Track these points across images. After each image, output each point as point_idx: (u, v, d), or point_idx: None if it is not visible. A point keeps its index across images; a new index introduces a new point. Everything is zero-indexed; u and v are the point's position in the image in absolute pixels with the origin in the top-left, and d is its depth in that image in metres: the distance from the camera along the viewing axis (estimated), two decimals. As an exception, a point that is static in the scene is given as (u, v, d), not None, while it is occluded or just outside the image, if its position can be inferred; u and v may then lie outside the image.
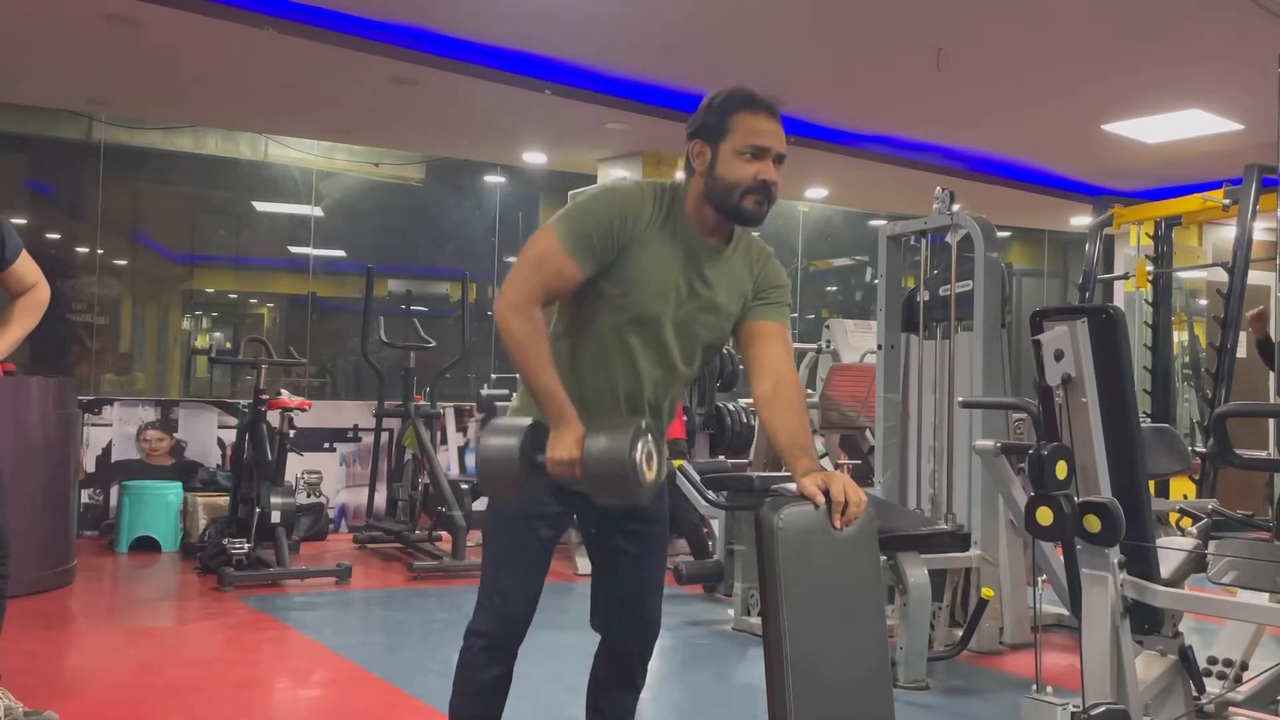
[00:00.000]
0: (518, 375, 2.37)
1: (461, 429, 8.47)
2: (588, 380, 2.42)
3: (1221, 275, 6.38)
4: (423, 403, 7.56)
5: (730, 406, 7.06)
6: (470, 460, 8.21)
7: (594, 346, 2.42)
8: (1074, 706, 2.61)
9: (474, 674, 2.50)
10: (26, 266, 3.33)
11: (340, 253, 9.44)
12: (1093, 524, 2.59)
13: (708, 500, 5.35)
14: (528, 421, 2.29)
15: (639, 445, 2.20)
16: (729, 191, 2.35)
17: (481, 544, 2.62)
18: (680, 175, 2.48)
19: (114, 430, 7.58)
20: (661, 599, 2.66)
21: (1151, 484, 2.92)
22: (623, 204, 2.36)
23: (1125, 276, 7.56)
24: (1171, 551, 2.98)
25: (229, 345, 9.36)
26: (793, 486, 2.32)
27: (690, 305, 2.42)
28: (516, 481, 2.25)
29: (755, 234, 2.55)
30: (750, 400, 7.08)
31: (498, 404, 7.81)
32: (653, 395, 2.46)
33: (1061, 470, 2.59)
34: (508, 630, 2.47)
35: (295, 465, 7.39)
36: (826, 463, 6.41)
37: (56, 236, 8.64)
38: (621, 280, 2.37)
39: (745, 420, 6.95)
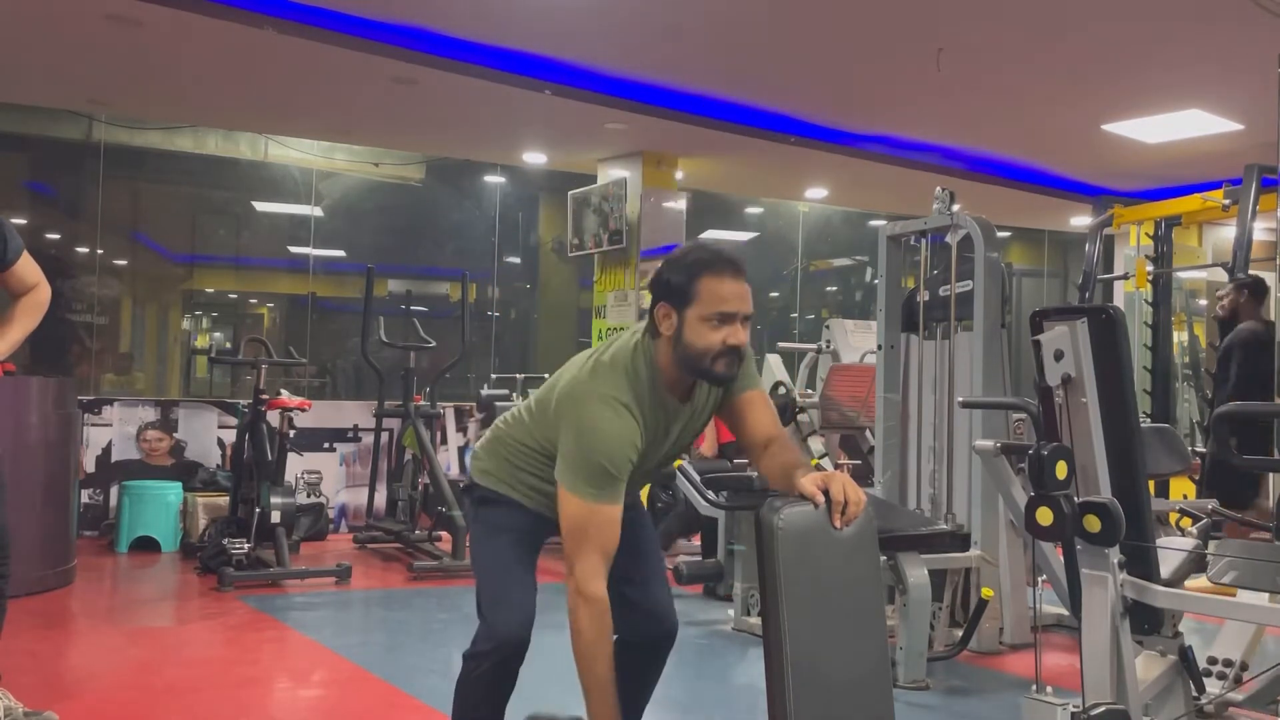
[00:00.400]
0: (581, 684, 2.39)
1: (461, 429, 8.47)
2: (532, 485, 2.59)
3: (1221, 275, 6.39)
4: (423, 403, 7.56)
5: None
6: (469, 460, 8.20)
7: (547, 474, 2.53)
8: (1074, 706, 2.61)
9: (476, 694, 2.53)
10: (28, 267, 3.33)
11: (340, 253, 9.44)
12: (1093, 524, 2.59)
13: (708, 500, 5.35)
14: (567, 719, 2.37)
15: None
16: (700, 358, 2.37)
17: (472, 568, 2.66)
18: (642, 325, 2.51)
19: (114, 430, 7.58)
20: (668, 589, 2.70)
21: (1151, 484, 2.92)
22: (627, 439, 2.38)
23: (1125, 276, 7.57)
24: (1171, 551, 2.98)
25: (229, 345, 9.37)
26: None
27: (680, 435, 2.57)
28: None
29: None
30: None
31: (498, 404, 7.82)
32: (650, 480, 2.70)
33: (1061, 470, 2.59)
34: (507, 652, 2.50)
35: (295, 465, 7.39)
36: (826, 463, 6.41)
37: (56, 236, 8.64)
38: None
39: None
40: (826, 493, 2.24)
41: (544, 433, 2.50)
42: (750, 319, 2.41)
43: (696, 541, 7.37)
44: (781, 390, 6.97)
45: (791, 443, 2.55)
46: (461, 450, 8.40)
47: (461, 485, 2.78)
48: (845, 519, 2.23)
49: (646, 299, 8.99)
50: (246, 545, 6.17)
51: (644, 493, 6.75)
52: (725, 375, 2.41)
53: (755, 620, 4.95)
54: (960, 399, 4.81)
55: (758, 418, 2.54)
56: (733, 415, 2.57)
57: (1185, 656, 2.93)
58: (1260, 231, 6.57)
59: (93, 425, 7.48)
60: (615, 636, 2.71)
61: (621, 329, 8.19)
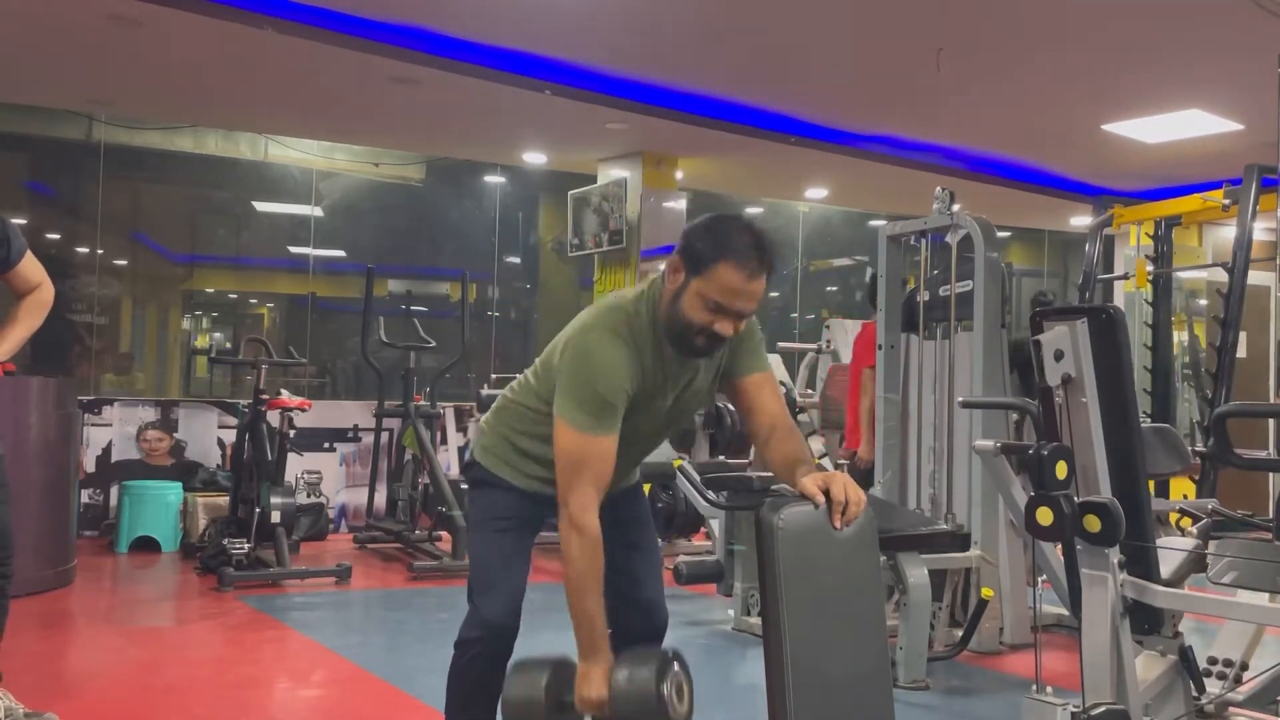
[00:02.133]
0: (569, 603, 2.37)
1: (461, 429, 8.47)
2: (533, 459, 2.56)
3: (1221, 275, 6.38)
4: (423, 403, 7.56)
5: (730, 407, 7.06)
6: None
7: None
8: (1074, 706, 2.61)
9: (466, 682, 2.53)
10: (31, 267, 3.34)
11: (340, 253, 9.44)
12: (1093, 524, 2.58)
13: (708, 500, 5.35)
14: (550, 661, 2.34)
15: (668, 678, 2.25)
16: (683, 327, 2.36)
17: (468, 553, 2.67)
18: (660, 271, 2.50)
19: (114, 430, 7.58)
20: (662, 585, 2.69)
21: (1151, 484, 2.92)
22: (619, 369, 2.36)
23: (1125, 276, 7.55)
24: (1171, 551, 2.98)
25: (229, 345, 9.36)
26: None
27: (681, 403, 2.53)
28: None
29: None
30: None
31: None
32: (641, 455, 2.63)
33: (1061, 470, 2.59)
34: (495, 639, 2.50)
35: (295, 465, 7.39)
36: (826, 463, 6.41)
37: (56, 236, 8.64)
38: (624, 423, 2.43)
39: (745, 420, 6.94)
40: (827, 493, 2.24)
41: (548, 388, 2.46)
42: (749, 315, 2.39)
43: (696, 541, 7.37)
44: (781, 390, 6.97)
45: (796, 431, 2.51)
46: (461, 450, 8.40)
47: (464, 460, 2.75)
48: (845, 519, 2.23)
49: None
50: (246, 545, 6.17)
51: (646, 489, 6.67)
52: (700, 351, 2.39)
53: (755, 620, 4.95)
54: (960, 399, 4.81)
55: (764, 400, 2.51)
56: (738, 395, 2.54)
57: (1185, 656, 2.92)
58: (1260, 231, 6.56)
59: (93, 425, 7.47)
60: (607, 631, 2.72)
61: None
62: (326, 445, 8.05)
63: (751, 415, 2.53)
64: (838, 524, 2.22)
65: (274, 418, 6.58)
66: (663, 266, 2.50)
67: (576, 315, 2.54)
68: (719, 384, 2.57)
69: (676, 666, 2.29)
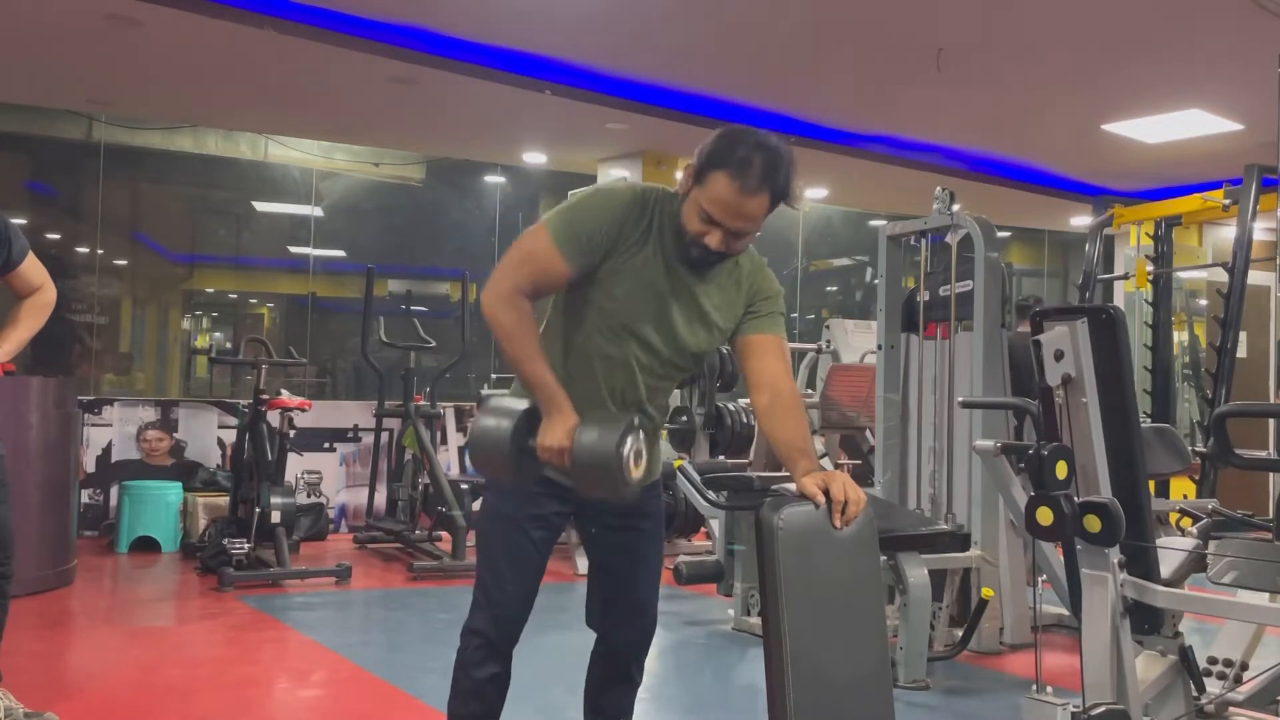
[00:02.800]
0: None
1: (461, 429, 8.47)
2: (577, 382, 2.41)
3: (1221, 275, 6.38)
4: (423, 403, 7.56)
5: (730, 407, 7.06)
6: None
7: (582, 350, 2.43)
8: (1074, 706, 2.61)
9: (471, 673, 2.51)
10: (33, 268, 3.35)
11: (340, 253, 9.44)
12: (1093, 524, 2.59)
13: (708, 500, 5.35)
14: (525, 404, 2.31)
15: (628, 441, 2.22)
16: (681, 232, 2.33)
17: (475, 545, 2.63)
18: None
19: (114, 430, 7.58)
20: (658, 596, 2.67)
21: (1151, 484, 2.92)
22: (616, 209, 2.35)
23: (1125, 276, 7.56)
24: (1171, 551, 2.98)
25: (229, 345, 9.36)
26: (792, 487, 2.32)
27: (678, 315, 2.41)
28: (507, 463, 2.27)
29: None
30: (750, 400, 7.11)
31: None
32: (641, 396, 2.46)
33: (1061, 470, 2.59)
34: (503, 630, 2.48)
35: (295, 465, 7.39)
36: (826, 463, 6.41)
37: (56, 236, 8.64)
38: (609, 289, 2.37)
39: (745, 420, 6.95)
40: (827, 492, 2.24)
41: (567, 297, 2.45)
42: (746, 236, 2.33)
43: (696, 541, 7.38)
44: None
45: (800, 407, 2.42)
46: (462, 450, 8.40)
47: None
48: (845, 519, 2.23)
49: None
50: (246, 545, 6.17)
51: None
52: (697, 260, 2.34)
53: (755, 620, 4.95)
54: (960, 399, 4.81)
55: (769, 363, 2.43)
56: (742, 350, 2.48)
57: (1185, 656, 2.92)
58: (1260, 231, 6.57)
59: (93, 425, 7.47)
60: (594, 642, 2.69)
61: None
62: (326, 445, 8.05)
63: (755, 379, 2.44)
64: (838, 523, 2.22)
65: (274, 418, 6.58)
66: (678, 174, 2.52)
67: None
68: (731, 339, 2.50)
69: (639, 434, 2.26)
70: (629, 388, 2.44)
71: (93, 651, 4.75)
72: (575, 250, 2.31)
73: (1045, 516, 2.59)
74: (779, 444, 2.39)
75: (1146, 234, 7.35)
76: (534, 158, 8.67)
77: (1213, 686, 3.36)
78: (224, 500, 7.02)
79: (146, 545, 7.05)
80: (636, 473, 2.25)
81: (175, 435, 7.74)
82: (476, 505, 7.21)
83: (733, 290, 2.45)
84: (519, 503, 2.48)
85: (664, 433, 7.32)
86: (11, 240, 3.27)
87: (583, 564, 6.35)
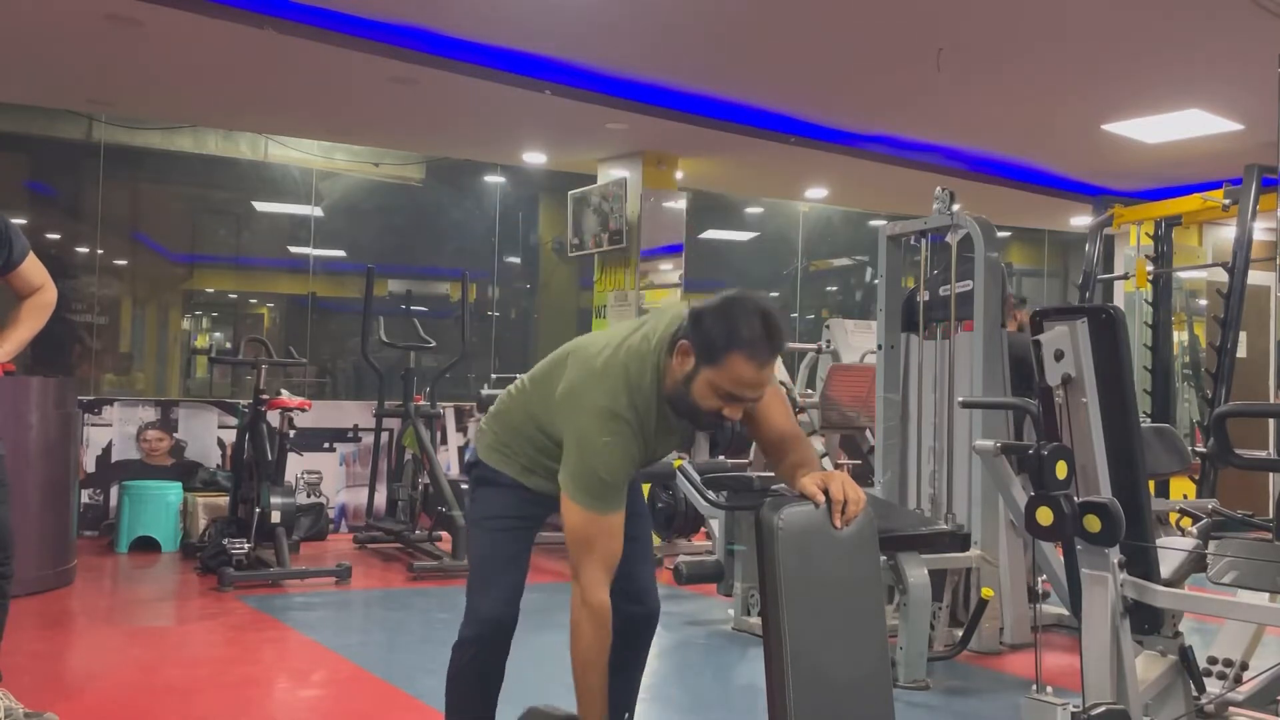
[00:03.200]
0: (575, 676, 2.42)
1: (461, 429, 8.47)
2: (531, 458, 2.59)
3: (1221, 275, 6.38)
4: (423, 403, 7.56)
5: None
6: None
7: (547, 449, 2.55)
8: (1074, 706, 2.61)
9: (465, 680, 2.53)
10: (34, 268, 3.35)
11: (340, 253, 9.44)
12: (1093, 524, 2.59)
13: (708, 500, 5.35)
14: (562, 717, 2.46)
15: None
16: (691, 410, 2.39)
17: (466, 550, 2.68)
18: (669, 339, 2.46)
19: (114, 430, 7.58)
20: (653, 571, 2.70)
21: (1151, 484, 2.92)
22: (625, 452, 2.40)
23: (1125, 276, 7.56)
24: (1171, 551, 2.98)
25: (229, 345, 9.36)
26: None
27: (679, 435, 2.59)
28: None
29: None
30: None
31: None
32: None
33: (1061, 470, 2.59)
34: (492, 634, 2.51)
35: (295, 465, 7.39)
36: (826, 462, 6.41)
37: (56, 236, 8.64)
38: None
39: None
40: (826, 492, 2.24)
41: (544, 411, 2.51)
42: (757, 402, 2.42)
43: (696, 541, 7.38)
44: (782, 391, 6.96)
45: (806, 441, 2.53)
46: (462, 450, 8.40)
47: (466, 460, 2.75)
48: (845, 518, 2.23)
49: (647, 299, 8.92)
50: (246, 545, 6.17)
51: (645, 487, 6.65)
52: (702, 427, 2.46)
53: (755, 620, 4.95)
54: (960, 399, 4.81)
55: (774, 418, 2.52)
56: (749, 415, 2.54)
57: (1185, 656, 2.92)
58: (1260, 231, 6.56)
59: (93, 425, 7.47)
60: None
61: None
62: (326, 445, 8.05)
63: (763, 433, 2.54)
64: (838, 523, 2.23)
65: (274, 418, 6.58)
66: (658, 341, 2.48)
67: (590, 344, 2.53)
68: None
69: None
70: None
71: (93, 651, 4.75)
72: (616, 496, 2.40)
73: (1045, 516, 2.59)
74: (786, 473, 2.46)
75: (1146, 234, 7.35)
76: (534, 158, 8.67)
77: (1213, 686, 3.36)
78: (224, 500, 7.01)
79: (146, 545, 7.05)
80: None
81: (175, 435, 7.74)
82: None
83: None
84: (501, 506, 2.58)
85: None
86: (12, 240, 3.27)
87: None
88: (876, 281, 5.47)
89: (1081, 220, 9.92)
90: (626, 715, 2.74)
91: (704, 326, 2.32)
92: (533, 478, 2.58)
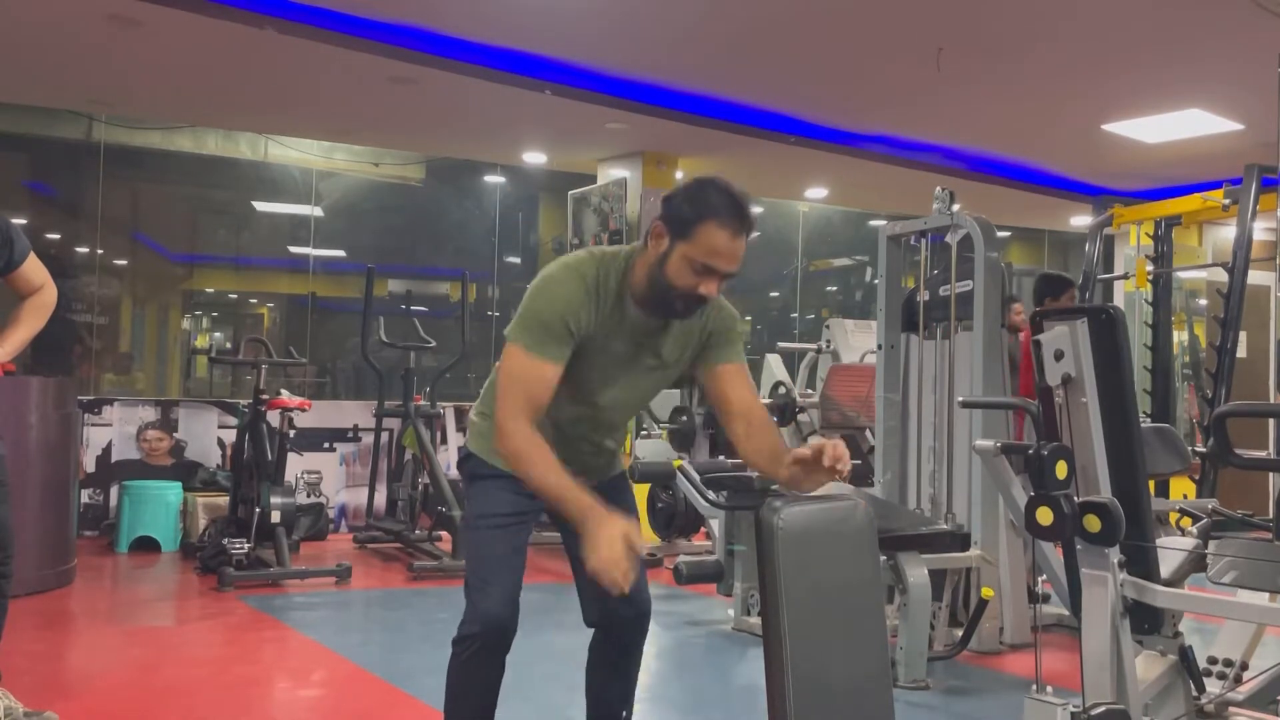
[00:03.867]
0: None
1: (461, 429, 8.47)
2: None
3: (1221, 275, 6.38)
4: (423, 403, 7.56)
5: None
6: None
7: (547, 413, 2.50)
8: (1074, 706, 2.61)
9: (464, 679, 2.53)
10: (35, 268, 3.37)
11: (340, 253, 9.44)
12: (1093, 524, 2.59)
13: (708, 500, 5.35)
14: None
15: None
16: (666, 290, 2.38)
17: (462, 548, 2.66)
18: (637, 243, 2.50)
19: (114, 430, 7.58)
20: (645, 576, 2.69)
21: (1151, 484, 2.92)
22: (573, 296, 2.40)
23: (1125, 276, 7.56)
24: (1171, 551, 2.98)
25: (229, 345, 9.36)
26: None
27: (639, 375, 2.54)
28: None
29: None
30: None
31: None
32: (599, 440, 2.61)
33: (1061, 470, 2.59)
34: (494, 633, 2.50)
35: (295, 465, 7.39)
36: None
37: (56, 236, 8.64)
38: (571, 369, 2.43)
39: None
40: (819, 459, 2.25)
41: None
42: (732, 276, 2.40)
43: (696, 541, 7.38)
44: (781, 390, 6.97)
45: (772, 424, 2.54)
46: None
47: (459, 455, 2.74)
48: (836, 463, 2.23)
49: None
50: (246, 545, 6.17)
51: (640, 489, 6.70)
52: (681, 314, 2.43)
53: (755, 620, 4.95)
54: (960, 399, 4.81)
55: (738, 390, 2.52)
56: (711, 382, 2.55)
57: (1185, 656, 2.93)
58: (1260, 231, 6.56)
59: (93, 425, 7.48)
60: (592, 633, 2.71)
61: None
62: (326, 445, 8.05)
63: (724, 404, 2.53)
64: (827, 463, 2.23)
65: (274, 418, 6.58)
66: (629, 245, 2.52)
67: None
68: (694, 369, 2.58)
69: None
70: (588, 436, 2.58)
71: (93, 651, 4.75)
72: (552, 345, 2.38)
73: (1045, 516, 2.59)
74: (760, 456, 2.45)
75: (1146, 234, 7.35)
76: (534, 158, 8.67)
77: (1213, 686, 3.36)
78: (224, 500, 7.01)
79: (146, 545, 7.05)
80: None
81: (175, 435, 7.74)
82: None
83: (692, 327, 2.53)
84: (497, 504, 2.56)
85: (664, 433, 7.33)
86: (13, 241, 3.28)
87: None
88: (876, 281, 5.47)
89: (1081, 220, 9.92)
90: (625, 714, 2.74)
91: (675, 204, 2.37)
92: None
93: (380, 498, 7.80)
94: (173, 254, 9.29)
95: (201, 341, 9.62)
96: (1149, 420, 6.97)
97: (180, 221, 9.29)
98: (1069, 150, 8.04)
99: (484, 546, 2.56)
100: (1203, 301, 9.39)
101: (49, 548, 5.76)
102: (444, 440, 8.27)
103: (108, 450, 7.55)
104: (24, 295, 3.37)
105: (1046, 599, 5.06)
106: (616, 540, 2.19)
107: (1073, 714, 2.57)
